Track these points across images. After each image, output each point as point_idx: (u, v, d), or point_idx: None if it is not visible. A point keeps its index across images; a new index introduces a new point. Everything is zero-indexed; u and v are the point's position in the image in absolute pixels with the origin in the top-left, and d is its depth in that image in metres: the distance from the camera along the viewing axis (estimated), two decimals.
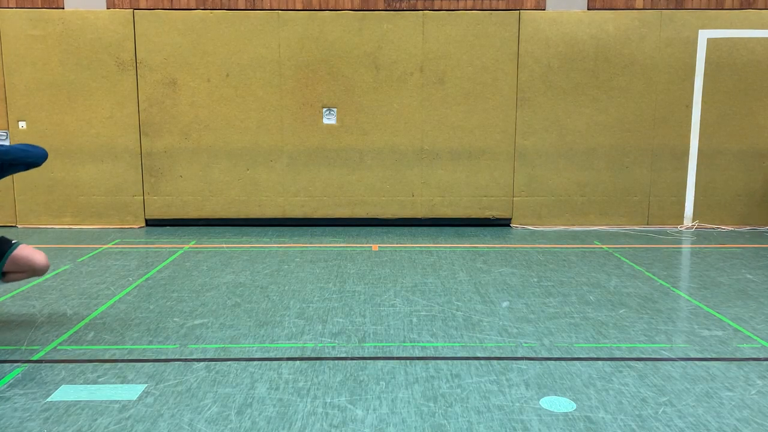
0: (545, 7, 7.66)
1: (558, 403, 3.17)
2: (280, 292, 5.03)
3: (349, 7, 7.67)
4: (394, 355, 3.78)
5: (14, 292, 5.00)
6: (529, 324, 4.32)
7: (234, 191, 7.67)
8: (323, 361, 3.69)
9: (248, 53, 7.41)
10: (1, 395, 3.25)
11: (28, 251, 4.09)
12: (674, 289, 5.16)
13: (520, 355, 3.78)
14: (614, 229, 7.64)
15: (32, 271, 4.12)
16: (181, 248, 6.57)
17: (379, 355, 3.78)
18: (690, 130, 7.56)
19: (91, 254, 6.30)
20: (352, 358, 3.73)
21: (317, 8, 7.64)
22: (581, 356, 3.77)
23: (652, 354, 3.81)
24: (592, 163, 7.62)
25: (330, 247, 6.68)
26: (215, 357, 3.75)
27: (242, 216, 7.72)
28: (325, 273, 5.61)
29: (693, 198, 7.68)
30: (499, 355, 3.78)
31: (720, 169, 7.63)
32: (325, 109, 7.51)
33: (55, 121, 7.45)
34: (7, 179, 7.52)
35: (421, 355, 3.77)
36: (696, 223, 7.70)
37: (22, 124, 7.44)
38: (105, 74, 7.39)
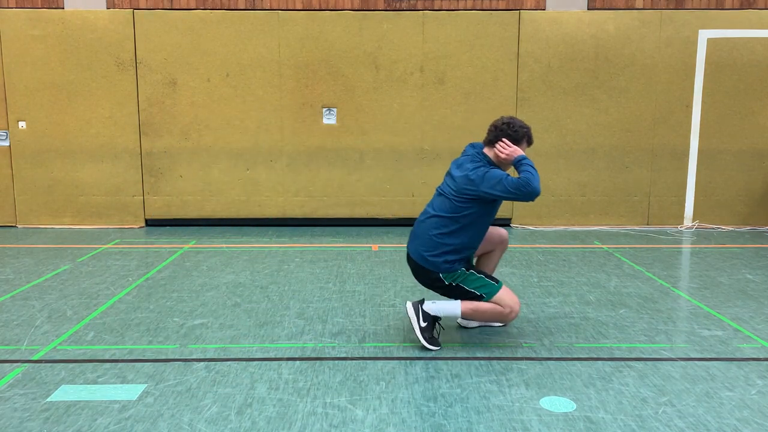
0: (545, 7, 7.66)
1: (558, 403, 3.17)
2: (280, 292, 5.03)
3: (349, 7, 7.67)
4: (394, 355, 3.78)
5: (14, 292, 5.00)
6: (529, 324, 4.32)
7: (234, 191, 7.66)
8: (323, 361, 3.68)
9: (248, 53, 7.41)
10: (1, 395, 3.25)
11: (509, 295, 3.85)
12: (674, 289, 5.15)
13: (520, 355, 3.78)
14: (614, 229, 7.64)
15: (505, 315, 3.82)
16: (181, 248, 6.57)
17: (379, 356, 3.78)
18: (690, 130, 7.56)
19: (91, 254, 6.30)
20: (352, 358, 3.73)
21: (317, 8, 7.64)
22: (581, 356, 3.77)
23: (652, 354, 3.81)
24: (592, 163, 7.62)
25: (330, 247, 6.68)
26: (215, 357, 3.75)
27: (242, 216, 7.71)
28: (325, 273, 5.61)
29: (693, 198, 7.68)
30: (499, 355, 3.78)
31: (720, 169, 7.63)
32: (325, 109, 7.50)
33: (55, 121, 7.45)
34: (7, 179, 7.53)
35: (421, 356, 3.77)
36: (696, 223, 7.70)
37: (22, 124, 7.44)
38: (105, 74, 7.39)
